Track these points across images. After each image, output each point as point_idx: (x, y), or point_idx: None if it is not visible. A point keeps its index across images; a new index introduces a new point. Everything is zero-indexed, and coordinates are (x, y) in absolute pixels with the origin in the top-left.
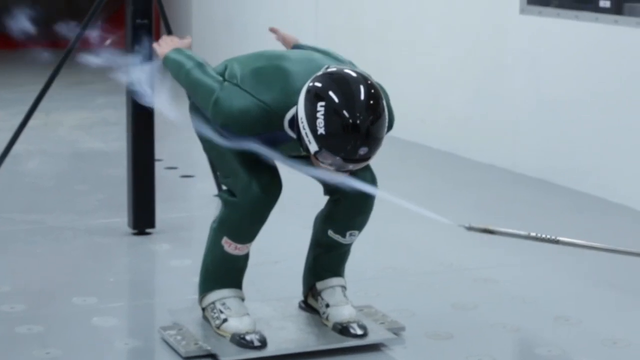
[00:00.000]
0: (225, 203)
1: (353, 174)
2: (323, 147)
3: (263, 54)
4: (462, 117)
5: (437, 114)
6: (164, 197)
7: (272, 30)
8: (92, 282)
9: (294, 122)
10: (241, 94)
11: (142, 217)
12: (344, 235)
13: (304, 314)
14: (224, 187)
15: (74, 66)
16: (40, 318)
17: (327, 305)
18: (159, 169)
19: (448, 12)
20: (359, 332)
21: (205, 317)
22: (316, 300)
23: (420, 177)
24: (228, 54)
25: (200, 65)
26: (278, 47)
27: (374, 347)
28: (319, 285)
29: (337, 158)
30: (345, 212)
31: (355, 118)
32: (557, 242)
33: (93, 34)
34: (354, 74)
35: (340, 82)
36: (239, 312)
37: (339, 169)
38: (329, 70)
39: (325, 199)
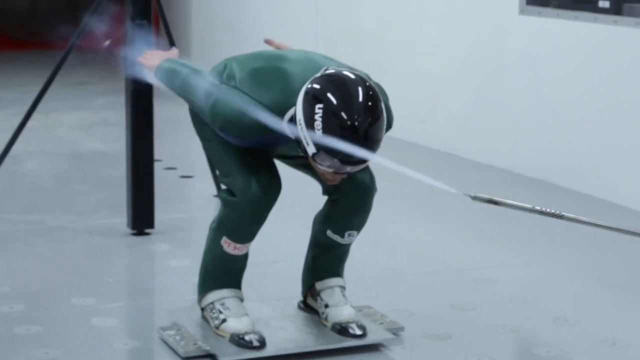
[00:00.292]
0: (224, 203)
1: (351, 175)
2: (321, 149)
3: (262, 54)
4: (462, 117)
5: (437, 114)
6: (163, 197)
7: (267, 41)
8: (91, 283)
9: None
10: (239, 96)
11: (142, 218)
12: (342, 236)
13: (303, 314)
14: (223, 187)
15: (73, 66)
16: (39, 318)
17: (326, 306)
18: (158, 169)
19: (447, 13)
20: (358, 332)
21: (204, 317)
22: (315, 300)
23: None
24: (227, 54)
25: (196, 71)
26: None
27: (373, 348)
28: (318, 285)
29: (335, 160)
30: (344, 212)
31: (354, 120)
32: (561, 217)
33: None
34: (352, 76)
35: (339, 84)
36: (238, 313)
37: (337, 171)
38: (328, 71)
39: (324, 199)
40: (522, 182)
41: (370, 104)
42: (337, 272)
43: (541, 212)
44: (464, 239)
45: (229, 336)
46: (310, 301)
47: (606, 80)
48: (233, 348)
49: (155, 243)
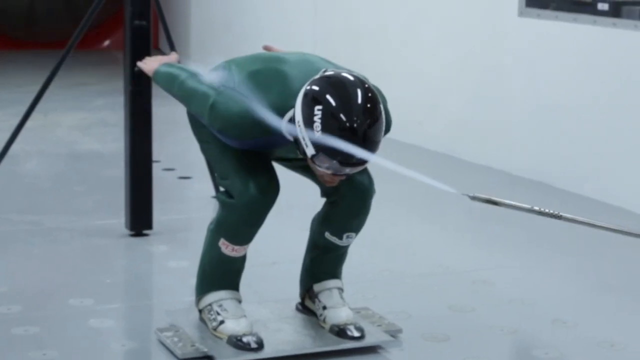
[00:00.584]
0: (222, 204)
1: (350, 176)
2: (320, 150)
3: (260, 56)
4: (460, 119)
5: (435, 116)
6: (161, 198)
7: (266, 48)
8: (89, 284)
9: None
10: (238, 98)
11: (140, 219)
12: (340, 237)
13: (300, 316)
14: (222, 189)
15: (72, 67)
16: (36, 319)
17: (324, 307)
18: (156, 170)
19: (446, 15)
20: (356, 334)
21: (202, 319)
22: (313, 302)
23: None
24: (227, 55)
25: (194, 75)
26: None
27: (371, 350)
28: (316, 287)
29: (334, 162)
30: (342, 214)
31: (353, 122)
32: (559, 217)
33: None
34: (351, 78)
35: (338, 86)
36: (236, 314)
37: (336, 173)
38: (327, 73)
39: (322, 201)
40: (520, 183)
41: (369, 105)
42: (335, 273)
43: (539, 213)
44: (462, 241)
45: (226, 338)
46: (308, 303)
47: (605, 82)
48: (231, 350)
49: (154, 244)
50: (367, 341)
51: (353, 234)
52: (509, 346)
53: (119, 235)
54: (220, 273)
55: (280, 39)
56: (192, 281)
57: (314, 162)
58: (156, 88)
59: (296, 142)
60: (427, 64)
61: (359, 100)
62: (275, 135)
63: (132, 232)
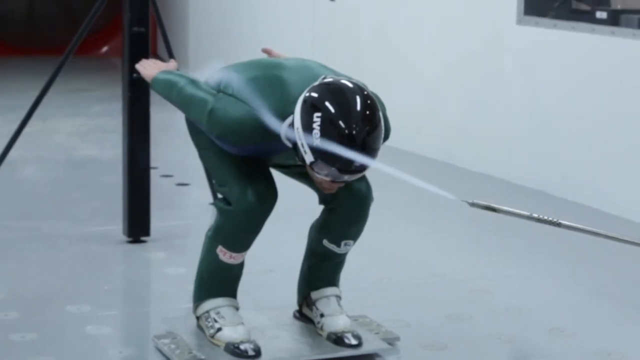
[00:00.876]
0: (220, 211)
1: (348, 184)
2: (319, 157)
3: (259, 62)
4: (459, 127)
5: (434, 123)
6: (159, 205)
7: (265, 51)
8: (87, 290)
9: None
10: (237, 104)
11: (137, 225)
12: (338, 245)
13: (298, 323)
14: (220, 196)
15: (71, 73)
16: (34, 326)
17: (322, 315)
18: (154, 176)
19: (444, 22)
20: (354, 342)
21: (199, 326)
22: (311, 309)
23: (415, 187)
24: (225, 61)
25: (192, 82)
26: None
27: (369, 357)
28: (314, 294)
29: (333, 169)
30: (340, 221)
31: (351, 129)
32: (558, 224)
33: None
34: (350, 85)
35: (337, 93)
36: (234, 321)
37: (334, 180)
38: (326, 80)
39: (320, 208)
40: (519, 191)
41: (368, 112)
42: (333, 281)
43: (539, 220)
44: (460, 250)
45: (224, 345)
46: (305, 310)
47: (603, 91)
48: (228, 357)
49: (151, 251)
50: (365, 349)
51: (351, 242)
52: (506, 355)
53: (117, 241)
54: (217, 280)
55: (279, 44)
56: (190, 288)
57: (312, 169)
58: (154, 94)
59: (295, 148)
60: (426, 72)
61: (358, 108)
62: (274, 142)
63: (130, 239)
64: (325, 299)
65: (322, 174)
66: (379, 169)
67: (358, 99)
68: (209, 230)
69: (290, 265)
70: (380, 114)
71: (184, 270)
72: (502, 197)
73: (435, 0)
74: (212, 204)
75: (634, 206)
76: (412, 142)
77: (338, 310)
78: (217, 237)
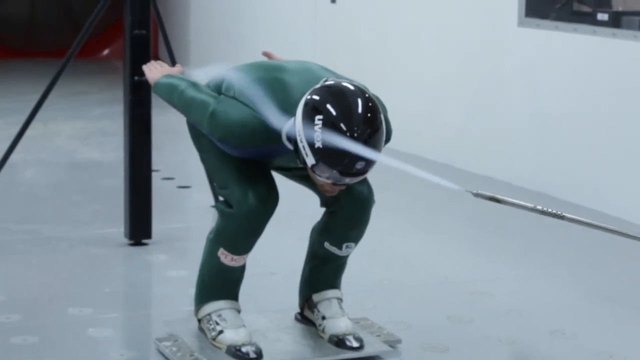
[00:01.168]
0: (221, 214)
1: (350, 186)
2: (320, 160)
3: (260, 65)
4: (459, 129)
5: (434, 126)
6: (160, 207)
7: (266, 54)
8: (88, 293)
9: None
10: (238, 107)
11: (139, 228)
12: (340, 247)
13: (300, 326)
14: (221, 198)
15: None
16: (35, 328)
17: (323, 318)
18: (155, 179)
19: (446, 25)
20: (355, 344)
21: (201, 329)
22: (312, 312)
23: (416, 189)
24: (226, 64)
25: (194, 85)
26: None
27: None
28: (315, 297)
29: (335, 171)
30: (342, 224)
31: (353, 131)
32: (562, 217)
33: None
34: (351, 87)
35: (338, 95)
36: (235, 324)
37: (336, 182)
38: (327, 82)
39: (321, 210)
40: (519, 193)
41: (369, 115)
42: (334, 283)
43: (542, 212)
44: (461, 252)
45: (225, 347)
46: (307, 313)
47: (604, 92)
48: None
49: (153, 253)
50: (366, 351)
51: (352, 244)
52: (508, 357)
53: (118, 244)
54: (219, 283)
55: (279, 46)
56: (191, 291)
57: (314, 171)
58: (155, 97)
59: (296, 151)
60: (427, 73)
61: (360, 110)
62: (275, 144)
63: (131, 242)
64: (326, 301)
65: (324, 177)
66: (381, 162)
67: (359, 101)
68: (210, 233)
69: (292, 268)
70: (382, 116)
71: (185, 272)
72: None
73: (436, 3)
74: (214, 206)
75: (634, 208)
76: (412, 144)
77: (339, 312)
78: (218, 239)
